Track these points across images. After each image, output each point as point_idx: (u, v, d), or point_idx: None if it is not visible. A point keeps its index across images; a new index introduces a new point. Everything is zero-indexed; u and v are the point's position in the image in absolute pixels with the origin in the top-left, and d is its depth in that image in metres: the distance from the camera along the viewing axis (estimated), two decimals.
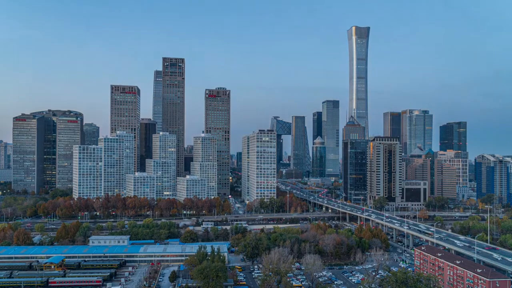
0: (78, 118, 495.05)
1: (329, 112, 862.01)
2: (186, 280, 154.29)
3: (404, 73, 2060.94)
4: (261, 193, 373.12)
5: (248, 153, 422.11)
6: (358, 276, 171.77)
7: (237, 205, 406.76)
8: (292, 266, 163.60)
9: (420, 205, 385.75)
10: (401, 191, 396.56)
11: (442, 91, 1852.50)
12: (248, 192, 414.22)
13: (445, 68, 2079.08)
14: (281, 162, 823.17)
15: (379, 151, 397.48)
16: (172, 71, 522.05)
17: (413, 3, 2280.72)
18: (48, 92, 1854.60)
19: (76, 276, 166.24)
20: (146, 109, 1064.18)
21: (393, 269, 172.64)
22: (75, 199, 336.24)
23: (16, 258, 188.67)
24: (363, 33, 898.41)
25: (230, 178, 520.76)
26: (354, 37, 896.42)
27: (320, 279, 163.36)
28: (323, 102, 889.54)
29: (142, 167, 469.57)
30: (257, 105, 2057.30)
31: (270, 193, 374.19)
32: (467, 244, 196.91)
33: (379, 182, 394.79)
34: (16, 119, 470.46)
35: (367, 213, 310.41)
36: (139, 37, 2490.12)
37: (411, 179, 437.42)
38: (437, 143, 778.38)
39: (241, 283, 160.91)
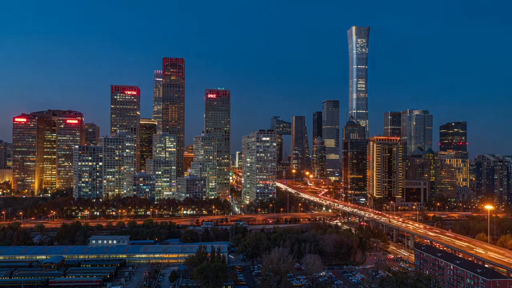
0: (78, 118, 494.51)
1: (329, 112, 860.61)
2: (186, 280, 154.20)
3: (404, 72, 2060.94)
4: (261, 193, 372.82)
5: (248, 153, 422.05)
6: (358, 277, 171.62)
7: (237, 205, 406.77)
8: (292, 266, 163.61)
9: (420, 205, 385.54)
10: (401, 191, 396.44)
11: (443, 91, 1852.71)
12: (248, 192, 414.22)
13: (445, 68, 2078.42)
14: (281, 162, 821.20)
15: (379, 151, 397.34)
16: (172, 71, 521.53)
17: (413, 3, 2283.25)
18: (48, 92, 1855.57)
19: (76, 276, 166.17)
20: (146, 109, 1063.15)
21: (393, 269, 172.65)
22: (75, 199, 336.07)
23: (16, 258, 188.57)
24: (363, 33, 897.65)
25: (230, 178, 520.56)
26: (354, 37, 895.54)
27: (320, 279, 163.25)
28: (323, 102, 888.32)
29: (142, 167, 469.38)
30: (257, 105, 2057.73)
31: (270, 193, 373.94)
32: None
33: (379, 182, 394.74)
34: (16, 119, 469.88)
35: (367, 213, 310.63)
36: (139, 36, 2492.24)
37: (411, 179, 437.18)
38: (437, 143, 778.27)
39: (241, 283, 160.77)
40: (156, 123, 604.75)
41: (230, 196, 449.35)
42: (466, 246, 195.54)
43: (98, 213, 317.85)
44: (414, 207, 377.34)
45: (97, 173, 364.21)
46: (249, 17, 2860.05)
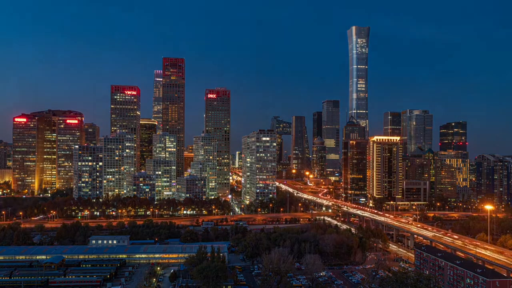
0: (78, 118, 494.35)
1: (329, 112, 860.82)
2: (186, 280, 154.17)
3: (405, 72, 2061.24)
4: (261, 192, 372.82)
5: (248, 153, 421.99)
6: (358, 277, 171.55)
7: (237, 205, 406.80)
8: (292, 266, 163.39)
9: (420, 205, 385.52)
10: (401, 191, 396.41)
11: (443, 91, 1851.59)
12: (248, 192, 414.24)
13: (445, 68, 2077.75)
14: (281, 162, 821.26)
15: (379, 151, 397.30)
16: (172, 71, 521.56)
17: (413, 3, 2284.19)
18: (48, 92, 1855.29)
19: (76, 276, 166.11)
20: (146, 109, 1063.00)
21: (393, 269, 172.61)
22: (75, 199, 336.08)
23: (16, 258, 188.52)
24: (363, 33, 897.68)
25: (230, 178, 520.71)
26: (354, 37, 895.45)
27: (320, 279, 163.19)
28: (323, 102, 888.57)
29: (142, 167, 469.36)
30: (257, 105, 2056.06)
31: (270, 192, 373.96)
32: None
33: (379, 182, 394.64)
34: (16, 119, 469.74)
35: (367, 213, 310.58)
36: (139, 37, 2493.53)
37: (411, 179, 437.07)
38: (437, 143, 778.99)
39: (241, 283, 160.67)
40: (156, 123, 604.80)
41: (230, 196, 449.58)
42: (466, 246, 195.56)
43: (98, 213, 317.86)
44: (414, 207, 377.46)
45: (97, 173, 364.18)
46: (249, 17, 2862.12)
